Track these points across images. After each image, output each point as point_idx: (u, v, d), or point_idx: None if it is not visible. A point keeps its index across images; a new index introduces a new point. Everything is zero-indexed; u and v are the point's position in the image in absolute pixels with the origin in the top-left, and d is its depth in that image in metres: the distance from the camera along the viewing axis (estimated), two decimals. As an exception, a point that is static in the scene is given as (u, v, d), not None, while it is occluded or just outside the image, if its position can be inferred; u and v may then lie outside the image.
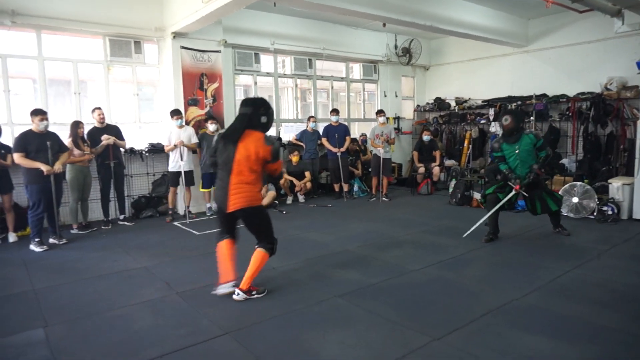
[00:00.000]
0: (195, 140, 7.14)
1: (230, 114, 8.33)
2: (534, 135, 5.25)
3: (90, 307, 3.66)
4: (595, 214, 6.35)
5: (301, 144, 8.90)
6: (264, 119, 3.65)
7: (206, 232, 6.22)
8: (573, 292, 3.76)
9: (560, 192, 6.66)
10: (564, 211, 6.54)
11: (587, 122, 8.23)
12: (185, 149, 6.96)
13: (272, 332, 3.15)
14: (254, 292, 3.75)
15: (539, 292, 3.75)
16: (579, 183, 6.63)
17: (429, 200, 8.40)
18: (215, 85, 7.78)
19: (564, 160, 8.66)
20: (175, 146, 6.85)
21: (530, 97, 9.17)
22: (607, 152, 8.08)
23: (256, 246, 3.81)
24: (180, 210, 7.48)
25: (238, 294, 3.70)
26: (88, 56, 7.14)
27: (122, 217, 6.93)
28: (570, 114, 8.56)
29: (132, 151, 7.21)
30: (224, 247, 3.89)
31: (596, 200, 6.38)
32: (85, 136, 6.38)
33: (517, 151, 5.22)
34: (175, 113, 6.96)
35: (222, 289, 3.78)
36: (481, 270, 4.38)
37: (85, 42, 7.13)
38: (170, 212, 7.13)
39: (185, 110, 7.42)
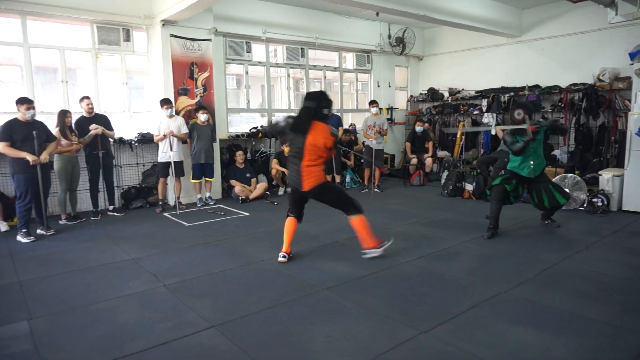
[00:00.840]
0: (185, 130, 7.06)
1: (221, 104, 8.26)
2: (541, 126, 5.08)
3: (76, 299, 3.62)
4: (585, 205, 6.37)
5: (293, 134, 8.82)
6: (325, 111, 4.20)
7: (196, 223, 6.18)
8: (561, 284, 3.77)
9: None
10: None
11: (579, 113, 8.22)
12: (175, 139, 6.87)
13: (259, 325, 3.13)
14: (384, 243, 4.44)
15: (527, 284, 3.76)
16: (569, 175, 6.64)
17: (421, 192, 8.39)
18: (206, 74, 7.68)
19: (556, 152, 8.67)
20: (165, 136, 6.77)
21: (523, 88, 9.15)
22: (599, 144, 8.09)
23: (347, 216, 4.38)
24: (171, 201, 7.43)
25: (371, 252, 4.39)
26: (75, 44, 7.00)
27: (111, 207, 6.86)
28: (562, 105, 8.54)
29: (121, 141, 7.12)
30: (290, 223, 4.51)
31: (586, 191, 6.40)
32: (73, 126, 6.28)
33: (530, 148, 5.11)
34: (165, 102, 6.87)
35: (280, 258, 4.43)
36: (470, 262, 4.38)
37: (73, 29, 6.99)
38: (160, 203, 7.07)
39: (175, 100, 7.32)
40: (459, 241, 5.02)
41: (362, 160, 8.86)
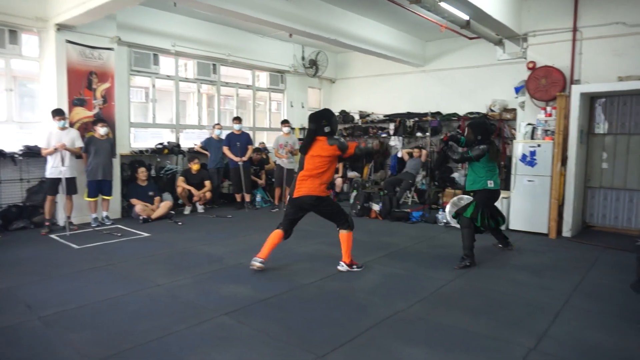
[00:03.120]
0: (79, 144, 6.50)
1: (123, 117, 7.77)
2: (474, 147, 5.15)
3: None
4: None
5: (206, 152, 8.54)
6: (327, 129, 4.50)
7: (88, 245, 5.65)
8: (454, 301, 3.95)
9: (448, 205, 7.10)
10: (452, 222, 6.96)
11: (474, 139, 8.89)
12: (68, 153, 6.30)
13: (145, 359, 2.86)
14: (354, 266, 4.72)
15: (423, 303, 3.88)
16: (465, 196, 7.10)
17: (331, 211, 8.46)
18: (107, 85, 7.17)
19: (455, 174, 9.29)
20: (55, 149, 6.17)
21: (426, 114, 9.74)
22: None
23: (338, 229, 4.71)
24: (61, 221, 6.74)
25: (342, 266, 4.72)
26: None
27: (-15, 229, 6.06)
28: (460, 132, 9.20)
29: (1, 154, 6.35)
30: (275, 234, 4.66)
31: (480, 212, 6.88)
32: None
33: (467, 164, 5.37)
34: (57, 113, 6.29)
35: (256, 262, 4.56)
36: (372, 282, 4.44)
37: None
38: (47, 224, 6.38)
39: (70, 111, 6.73)
40: (362, 261, 5.09)
41: (273, 179, 8.78)
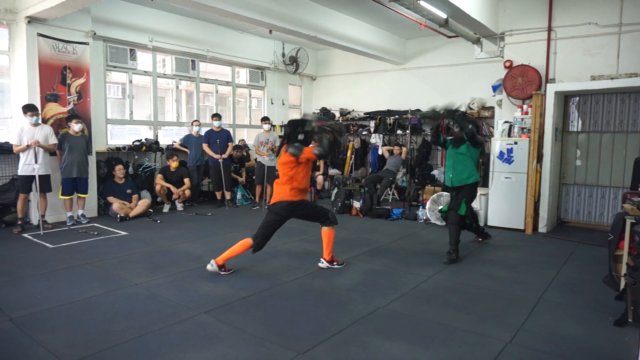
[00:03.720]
0: (53, 140, 6.33)
1: (99, 113, 7.62)
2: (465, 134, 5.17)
3: None
4: (457, 221, 6.92)
5: (185, 149, 8.43)
6: (300, 136, 4.50)
7: (63, 244, 5.52)
8: (433, 296, 3.99)
9: (428, 202, 7.17)
10: (432, 219, 7.05)
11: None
12: (41, 150, 6.13)
13: (122, 359, 2.81)
14: (334, 263, 4.74)
15: (403, 299, 3.91)
16: (445, 193, 7.19)
17: (312, 209, 8.46)
18: (81, 80, 7.00)
19: (435, 172, 9.39)
20: (28, 146, 6.00)
21: (406, 112, 9.81)
22: (469, 165, 8.91)
23: (321, 227, 4.70)
24: (34, 220, 6.56)
25: (322, 262, 4.74)
26: None
27: (-46, 228, 5.85)
28: (440, 129, 9.28)
29: (-30, 151, 6.16)
30: (243, 242, 4.46)
31: (458, 209, 6.97)
32: None
33: (453, 158, 5.30)
34: (29, 109, 6.11)
35: (210, 266, 4.43)
36: (352, 279, 4.46)
37: None
38: (19, 222, 6.21)
39: (43, 107, 6.54)
40: (343, 258, 5.10)
41: (254, 177, 8.72)
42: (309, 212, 4.66)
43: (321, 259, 4.78)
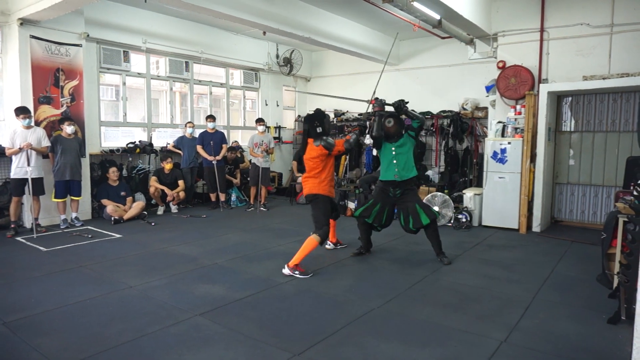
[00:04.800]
0: (46, 143, 6.30)
1: (93, 115, 7.58)
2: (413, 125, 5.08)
3: None
4: (452, 221, 6.96)
5: (179, 151, 8.40)
6: (319, 129, 4.73)
7: (56, 248, 5.48)
8: (428, 296, 4.00)
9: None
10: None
11: (447, 137, 9.06)
12: (34, 153, 6.09)
13: (117, 361, 2.80)
14: (296, 272, 4.47)
15: (398, 299, 3.92)
16: (439, 193, 7.22)
17: (307, 210, 8.35)
18: (75, 82, 6.97)
19: (429, 172, 9.41)
20: (21, 149, 5.96)
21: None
22: (464, 165, 8.97)
23: (312, 232, 4.63)
24: (27, 223, 6.52)
25: (285, 269, 4.52)
26: None
27: (-54, 232, 5.80)
28: (434, 130, 9.35)
29: (-38, 154, 6.11)
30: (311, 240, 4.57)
31: (453, 209, 7.01)
32: None
33: (394, 152, 5.04)
34: (21, 111, 6.07)
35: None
36: (348, 279, 4.46)
37: None
38: (12, 226, 6.16)
39: (36, 109, 6.50)
40: (338, 259, 5.11)
41: (249, 179, 8.72)
42: (315, 212, 4.72)
43: (287, 266, 4.52)
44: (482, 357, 2.91)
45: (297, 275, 4.44)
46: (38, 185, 6.22)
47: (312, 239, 4.52)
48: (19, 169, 6.06)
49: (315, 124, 4.74)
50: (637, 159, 5.01)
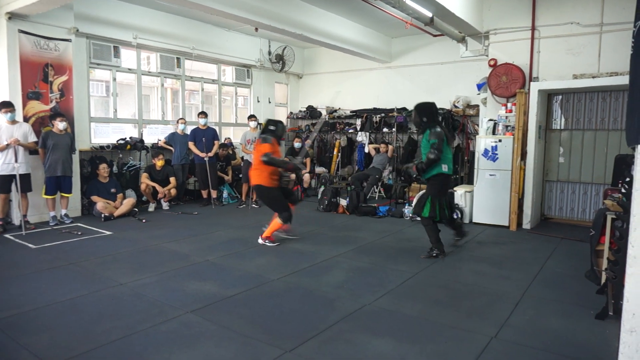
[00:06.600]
0: (33, 138, 6.23)
1: (83, 112, 7.50)
2: (429, 132, 5.06)
3: None
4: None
5: (170, 147, 8.34)
6: (272, 127, 5.65)
7: (46, 245, 5.43)
8: (419, 293, 4.02)
9: (415, 199, 7.21)
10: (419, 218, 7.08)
11: (439, 135, 9.08)
12: (21, 149, 6.02)
13: (107, 359, 2.78)
14: (267, 241, 5.52)
15: (389, 295, 3.94)
16: (430, 190, 7.24)
17: (299, 207, 8.35)
18: (64, 78, 6.89)
19: (420, 169, 9.45)
20: (8, 145, 5.89)
21: (392, 110, 9.86)
22: (455, 163, 9.00)
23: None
24: (16, 220, 6.44)
25: (261, 240, 5.54)
26: None
27: None
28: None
29: (-52, 150, 6.01)
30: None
31: (444, 206, 7.03)
32: None
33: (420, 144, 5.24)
34: (4, 105, 5.99)
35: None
36: (339, 276, 4.47)
37: None
38: (0, 223, 6.08)
39: (24, 105, 6.42)
40: (330, 255, 5.12)
41: (240, 175, 8.69)
42: (267, 202, 5.63)
43: (261, 237, 5.56)
44: (473, 353, 2.93)
45: (268, 244, 5.47)
46: (26, 182, 6.15)
47: (276, 221, 5.47)
48: (6, 165, 5.99)
49: (270, 124, 5.70)
50: (625, 157, 5.06)
